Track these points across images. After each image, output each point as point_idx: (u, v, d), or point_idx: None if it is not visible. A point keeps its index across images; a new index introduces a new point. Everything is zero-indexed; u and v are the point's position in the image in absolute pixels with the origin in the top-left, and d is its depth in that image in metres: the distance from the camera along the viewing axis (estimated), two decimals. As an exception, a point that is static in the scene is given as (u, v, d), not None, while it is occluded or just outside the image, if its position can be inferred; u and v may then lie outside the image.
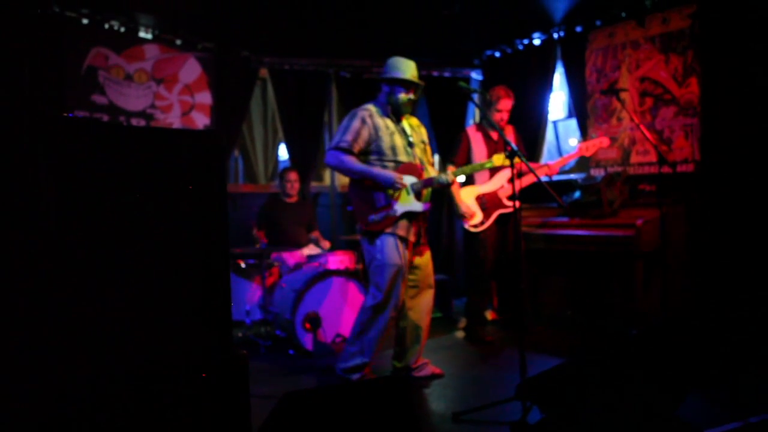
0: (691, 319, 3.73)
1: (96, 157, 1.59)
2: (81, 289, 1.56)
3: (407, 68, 3.22)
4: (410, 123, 3.35)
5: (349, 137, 3.15)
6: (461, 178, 4.26)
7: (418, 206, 3.17)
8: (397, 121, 3.27)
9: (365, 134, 3.17)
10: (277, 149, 6.31)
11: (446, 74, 5.86)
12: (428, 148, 3.42)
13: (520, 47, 5.37)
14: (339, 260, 4.26)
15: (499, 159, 3.35)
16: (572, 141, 5.52)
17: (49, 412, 1.47)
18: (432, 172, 3.33)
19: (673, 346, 2.46)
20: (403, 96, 3.20)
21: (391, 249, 3.12)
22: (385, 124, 3.21)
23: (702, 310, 3.80)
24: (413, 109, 3.36)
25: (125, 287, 1.64)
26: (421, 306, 3.29)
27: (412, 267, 3.28)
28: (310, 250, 4.72)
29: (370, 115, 3.20)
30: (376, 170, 3.13)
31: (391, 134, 3.21)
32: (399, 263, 3.12)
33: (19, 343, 1.45)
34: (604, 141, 3.97)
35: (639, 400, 2.35)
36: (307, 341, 3.79)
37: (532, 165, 2.86)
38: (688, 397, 2.54)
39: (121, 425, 1.57)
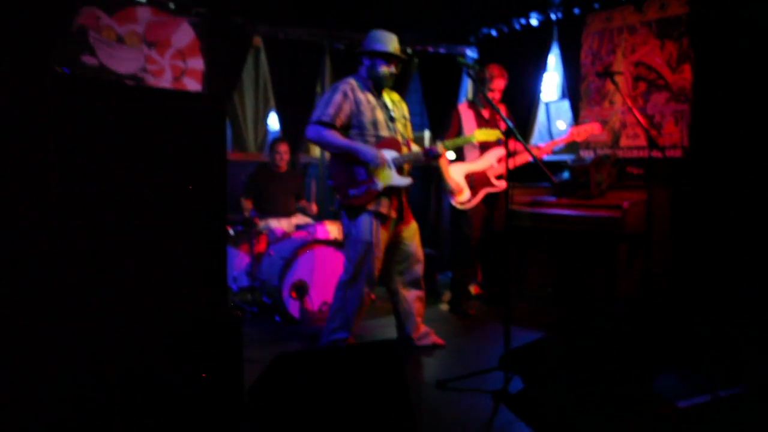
0: (669, 300, 3.85)
1: (100, 117, 1.60)
2: (80, 248, 1.58)
3: (389, 41, 3.18)
4: (391, 98, 3.33)
5: (330, 111, 3.12)
6: (450, 155, 4.29)
7: (399, 180, 3.18)
8: (378, 95, 3.25)
9: (347, 108, 3.14)
10: (267, 118, 6.26)
11: (441, 50, 5.83)
12: (409, 123, 3.41)
13: (517, 27, 5.36)
14: (327, 230, 4.29)
15: (481, 134, 3.39)
16: (560, 123, 5.56)
17: (55, 359, 1.50)
18: (415, 147, 3.34)
19: (650, 324, 2.55)
20: (384, 69, 3.18)
21: (365, 226, 3.14)
22: (367, 98, 3.19)
23: (681, 293, 3.90)
24: (404, 84, 3.36)
25: (122, 248, 1.65)
26: (410, 279, 3.33)
27: (399, 242, 3.31)
28: (298, 219, 4.74)
29: (352, 89, 3.17)
30: (358, 145, 3.11)
31: (373, 109, 3.19)
32: (370, 240, 3.14)
33: (30, 290, 1.47)
34: (596, 127, 4.02)
35: (615, 373, 2.43)
36: (294, 309, 3.83)
37: (522, 145, 2.90)
38: (661, 373, 2.64)
39: (122, 378, 1.60)
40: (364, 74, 3.24)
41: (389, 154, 3.16)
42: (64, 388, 1.54)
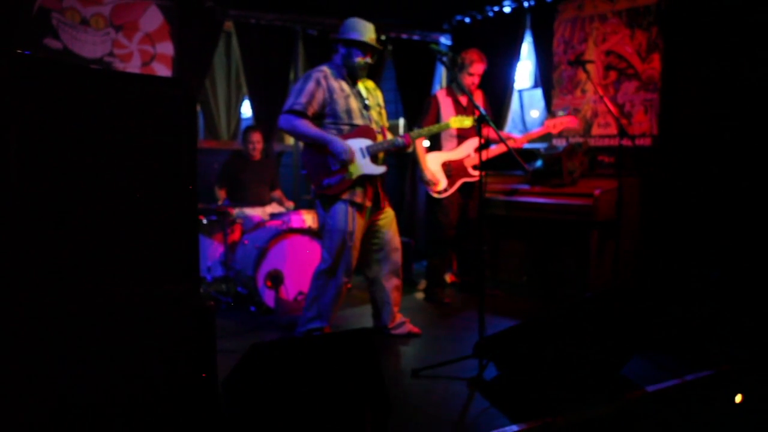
0: (639, 286, 3.93)
1: (63, 102, 1.54)
2: (44, 237, 1.53)
3: (366, 31, 3.15)
4: (366, 86, 3.30)
5: (303, 100, 3.08)
6: (427, 143, 4.28)
7: (373, 169, 3.16)
8: (353, 83, 3.22)
9: (320, 97, 3.11)
10: (240, 106, 6.16)
11: (415, 38, 5.80)
12: (384, 111, 3.39)
13: (491, 14, 5.36)
14: (302, 219, 4.25)
15: (456, 121, 3.39)
16: (534, 113, 5.60)
17: (24, 349, 1.46)
18: (389, 135, 3.33)
19: (620, 311, 2.60)
20: (360, 60, 3.15)
21: (341, 215, 3.13)
22: (340, 86, 3.16)
23: (650, 279, 3.99)
24: (377, 72, 3.33)
25: (89, 236, 1.61)
26: (387, 268, 3.33)
27: (375, 230, 3.30)
28: (273, 208, 4.69)
29: (325, 77, 3.13)
30: (329, 137, 3.08)
31: (347, 97, 3.16)
32: (347, 230, 3.13)
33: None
34: (572, 120, 4.07)
35: (587, 359, 2.48)
36: (269, 298, 3.80)
37: (496, 134, 2.91)
38: (632, 359, 2.70)
39: (90, 375, 1.56)
40: (339, 62, 3.20)
41: (363, 143, 3.14)
42: (31, 381, 1.50)
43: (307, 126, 3.09)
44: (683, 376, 2.65)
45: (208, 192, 4.70)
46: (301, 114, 3.09)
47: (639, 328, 2.71)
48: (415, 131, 3.31)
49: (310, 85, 3.10)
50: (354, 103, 3.17)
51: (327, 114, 3.13)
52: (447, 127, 3.40)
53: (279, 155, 5.63)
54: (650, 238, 4.04)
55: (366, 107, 3.22)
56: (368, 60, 3.18)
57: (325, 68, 3.18)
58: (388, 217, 3.34)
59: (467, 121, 3.41)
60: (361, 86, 3.26)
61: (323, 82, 3.12)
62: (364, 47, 3.13)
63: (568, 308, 2.49)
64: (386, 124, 3.40)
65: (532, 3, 4.98)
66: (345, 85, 3.18)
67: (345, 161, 3.07)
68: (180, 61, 4.95)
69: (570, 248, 4.19)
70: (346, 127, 3.14)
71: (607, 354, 2.58)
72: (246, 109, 6.11)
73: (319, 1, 5.23)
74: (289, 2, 5.23)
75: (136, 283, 1.69)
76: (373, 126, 3.21)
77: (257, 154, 4.73)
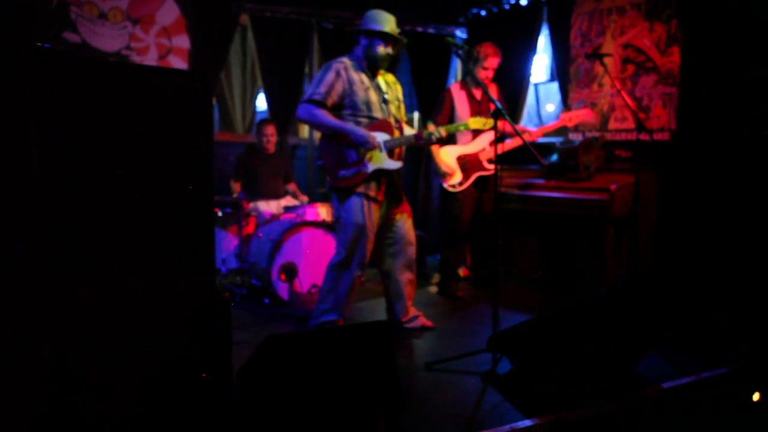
0: (655, 282, 3.89)
1: (82, 94, 1.56)
2: (64, 229, 1.55)
3: (387, 21, 3.13)
4: (386, 79, 3.29)
5: (322, 90, 3.08)
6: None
7: (390, 164, 3.16)
8: (373, 76, 3.21)
9: (339, 88, 3.10)
10: (255, 99, 6.19)
11: (430, 31, 5.78)
12: (402, 105, 3.38)
13: (507, 6, 5.32)
14: (316, 212, 4.27)
15: (475, 122, 3.36)
16: (549, 107, 5.55)
17: (37, 342, 1.48)
18: (408, 129, 3.31)
19: (635, 307, 2.57)
20: (381, 50, 3.13)
21: (356, 208, 3.12)
22: (360, 78, 3.15)
23: (666, 275, 3.95)
24: (393, 65, 3.31)
25: (108, 228, 1.63)
26: (401, 263, 3.32)
27: (390, 224, 3.30)
28: (287, 200, 4.72)
29: (345, 68, 3.13)
30: (350, 126, 3.08)
31: (366, 89, 3.15)
32: (362, 223, 3.12)
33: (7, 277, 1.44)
34: (588, 114, 4.02)
35: (601, 354, 2.46)
36: (283, 291, 3.83)
37: (512, 127, 2.89)
38: (647, 355, 2.68)
39: (106, 364, 1.59)
40: (360, 54, 3.19)
41: (381, 137, 3.13)
42: (48, 370, 1.52)
43: (327, 116, 3.08)
44: (699, 374, 2.62)
45: (223, 184, 4.74)
46: (321, 104, 3.08)
47: (654, 324, 2.69)
48: (427, 132, 3.27)
49: (330, 76, 3.09)
50: (373, 96, 3.17)
51: (346, 105, 3.13)
52: (466, 127, 3.37)
53: (293, 148, 5.65)
54: (667, 234, 4.00)
55: (385, 101, 3.21)
56: (390, 51, 3.16)
57: (346, 60, 3.17)
58: (403, 212, 3.34)
59: (487, 123, 3.35)
60: (381, 79, 3.25)
61: (343, 74, 3.11)
62: (386, 38, 3.12)
63: (582, 303, 2.47)
64: (404, 118, 3.39)
65: (549, -5, 4.93)
66: (365, 78, 3.17)
67: (370, 148, 3.07)
68: (196, 55, 4.98)
69: (585, 243, 4.16)
70: (364, 119, 3.14)
71: (621, 350, 2.57)
72: (261, 102, 6.13)
73: (335, -6, 5.23)
74: (304, -5, 5.24)
75: (153, 275, 1.71)
76: (391, 120, 3.20)
77: (272, 147, 4.74)
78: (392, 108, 3.24)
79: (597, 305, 2.46)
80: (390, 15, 3.17)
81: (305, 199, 4.77)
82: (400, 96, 3.36)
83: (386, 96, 3.22)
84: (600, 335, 2.43)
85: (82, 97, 1.58)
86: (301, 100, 3.15)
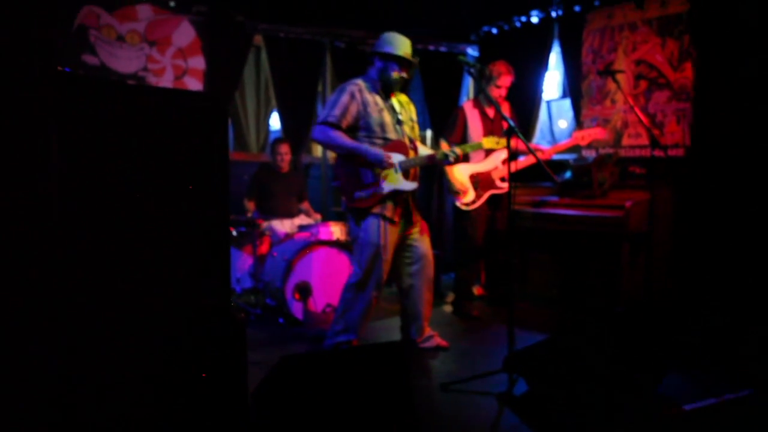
0: (673, 301, 3.84)
1: (102, 117, 1.58)
2: (83, 248, 1.57)
3: (403, 45, 3.16)
4: (399, 100, 3.31)
5: (337, 112, 3.10)
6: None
7: (405, 185, 3.17)
8: (387, 97, 3.23)
9: (354, 110, 3.12)
10: (269, 118, 6.25)
11: (442, 49, 5.82)
12: (416, 125, 3.39)
13: (518, 24, 5.34)
14: (330, 231, 4.28)
15: (488, 142, 3.37)
16: (562, 123, 5.54)
17: (57, 362, 1.49)
18: (422, 149, 3.32)
19: (654, 325, 2.54)
20: (395, 74, 3.16)
21: (372, 229, 3.13)
22: (374, 100, 3.17)
23: (684, 293, 3.89)
24: (406, 85, 3.33)
25: (125, 248, 1.64)
26: (420, 282, 3.31)
27: (408, 244, 3.30)
28: (301, 220, 4.73)
29: (360, 90, 3.15)
30: (365, 147, 3.10)
31: (380, 111, 3.17)
32: (379, 243, 3.13)
33: (28, 297, 1.46)
34: (600, 132, 4.01)
35: (621, 375, 2.42)
36: (297, 310, 3.82)
37: (524, 145, 2.89)
38: (668, 375, 2.63)
39: (125, 383, 1.59)
40: (374, 76, 3.22)
41: (396, 158, 3.15)
42: (65, 392, 1.53)
43: (342, 137, 3.11)
44: (722, 395, 2.56)
45: (237, 203, 4.77)
46: (335, 126, 3.11)
47: (674, 343, 2.64)
48: (441, 153, 3.29)
49: (344, 98, 3.12)
50: (387, 117, 3.19)
51: (360, 127, 3.15)
52: (479, 147, 3.38)
53: (307, 167, 5.69)
54: (684, 251, 3.95)
55: (399, 122, 3.23)
56: (404, 75, 3.19)
57: (360, 81, 3.20)
58: (421, 231, 3.33)
59: (501, 143, 3.36)
60: (394, 100, 3.27)
61: (357, 96, 3.14)
62: (400, 61, 3.15)
63: (599, 322, 2.44)
64: (418, 138, 3.41)
65: (560, 13, 4.95)
66: (379, 99, 3.19)
67: (386, 168, 3.09)
68: (211, 75, 5.05)
69: (600, 261, 4.12)
70: (379, 141, 3.16)
71: (641, 370, 2.52)
72: (275, 121, 6.19)
73: (347, 14, 5.30)
74: (317, 15, 5.31)
75: (169, 296, 1.71)
76: (406, 141, 3.22)
77: (285, 166, 4.78)
78: (406, 129, 3.26)
79: (615, 324, 2.42)
80: (405, 39, 3.19)
81: (318, 217, 4.78)
82: (414, 116, 3.38)
83: (400, 117, 3.24)
84: (618, 355, 2.40)
85: (101, 120, 1.61)
86: (316, 122, 3.17)
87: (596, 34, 4.72)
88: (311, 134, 3.20)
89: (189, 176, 1.75)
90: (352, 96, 3.13)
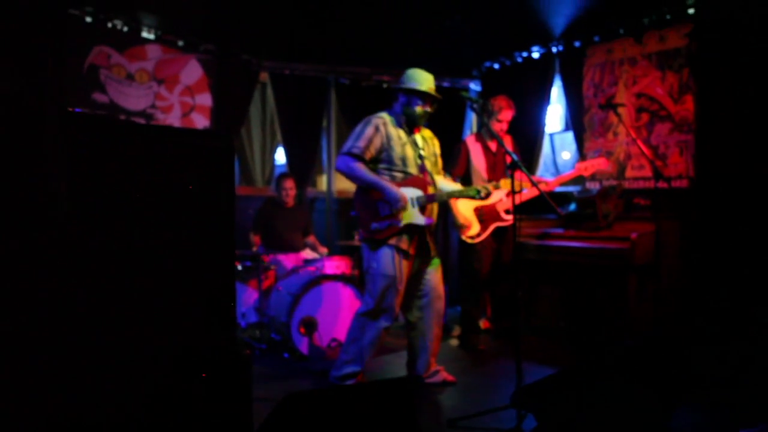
0: (682, 332, 3.80)
1: (109, 155, 1.61)
2: (91, 284, 1.57)
3: (426, 81, 3.24)
4: (423, 135, 3.36)
5: (361, 144, 3.16)
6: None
7: (421, 220, 3.19)
8: (410, 132, 3.29)
9: (377, 142, 3.18)
10: (274, 153, 6.32)
11: (445, 84, 5.91)
12: (439, 160, 3.43)
13: (519, 60, 5.44)
14: (336, 265, 4.27)
15: (506, 184, 3.44)
16: (565, 155, 5.58)
17: (55, 406, 1.48)
18: (448, 184, 3.35)
19: (664, 359, 2.50)
20: (419, 109, 3.21)
21: (387, 260, 3.14)
22: (398, 134, 3.22)
23: (692, 324, 3.85)
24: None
25: (133, 284, 1.65)
26: (430, 316, 3.29)
27: (420, 277, 3.30)
28: (306, 254, 4.73)
29: (384, 124, 3.21)
30: (384, 183, 3.13)
31: (403, 145, 3.22)
32: (393, 275, 3.13)
33: (30, 341, 1.46)
34: (603, 163, 4.04)
35: (632, 410, 2.38)
36: (303, 345, 3.79)
37: (528, 178, 2.92)
38: (679, 408, 2.58)
39: (131, 419, 1.58)
40: (398, 110, 3.27)
41: (414, 193, 3.18)
42: (67, 426, 1.52)
43: (364, 171, 3.15)
44: (736, 430, 2.51)
45: (242, 238, 4.79)
46: (359, 157, 3.16)
47: (686, 376, 2.60)
48: (473, 188, 3.35)
49: (369, 131, 3.18)
50: (410, 152, 3.23)
51: (382, 159, 3.20)
52: (497, 187, 3.48)
53: (312, 201, 5.72)
54: (691, 282, 3.92)
55: (421, 157, 3.27)
56: (428, 109, 3.25)
57: (384, 115, 3.26)
58: (434, 265, 3.34)
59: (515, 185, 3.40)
60: (418, 135, 3.32)
61: (382, 129, 3.19)
62: (424, 96, 3.21)
63: (608, 356, 2.41)
64: (441, 173, 3.44)
65: (561, 48, 5.04)
66: (402, 134, 3.24)
67: (399, 209, 3.12)
68: (218, 112, 5.15)
69: (607, 293, 4.09)
70: (399, 174, 3.20)
71: (651, 405, 2.48)
72: (280, 156, 6.26)
73: (351, 52, 5.41)
74: (321, 53, 5.42)
75: (174, 331, 1.71)
76: (427, 177, 3.25)
77: (290, 201, 4.81)
78: (428, 164, 3.29)
79: (623, 357, 2.39)
80: (429, 74, 3.27)
81: (324, 251, 4.79)
82: (438, 151, 3.43)
83: (422, 152, 3.28)
84: (628, 389, 2.36)
85: (110, 159, 1.64)
86: (340, 152, 3.22)
87: (597, 68, 4.80)
88: (335, 163, 3.25)
89: (196, 213, 1.77)
90: (377, 129, 3.18)
